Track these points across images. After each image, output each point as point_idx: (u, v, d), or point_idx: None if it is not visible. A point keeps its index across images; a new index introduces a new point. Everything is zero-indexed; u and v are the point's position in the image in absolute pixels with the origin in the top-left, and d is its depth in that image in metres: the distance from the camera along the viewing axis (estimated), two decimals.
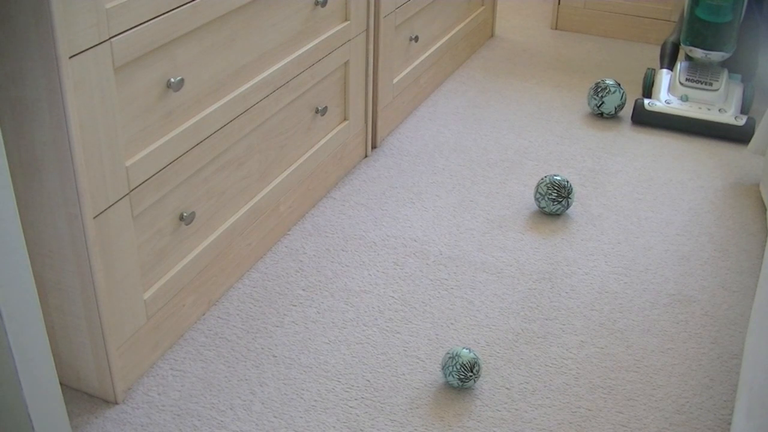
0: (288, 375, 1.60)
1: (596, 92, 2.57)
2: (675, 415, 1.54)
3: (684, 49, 2.59)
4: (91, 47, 1.28)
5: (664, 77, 2.61)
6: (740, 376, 1.37)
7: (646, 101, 2.55)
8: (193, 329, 1.71)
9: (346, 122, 2.18)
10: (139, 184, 1.45)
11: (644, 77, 2.68)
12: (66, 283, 1.42)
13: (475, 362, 1.55)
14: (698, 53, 2.54)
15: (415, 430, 1.49)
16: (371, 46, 2.20)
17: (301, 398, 1.55)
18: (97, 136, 1.33)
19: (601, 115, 2.61)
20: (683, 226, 2.09)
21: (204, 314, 1.75)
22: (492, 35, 3.24)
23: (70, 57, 1.24)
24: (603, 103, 2.56)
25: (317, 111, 2.01)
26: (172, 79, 1.47)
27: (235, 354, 1.65)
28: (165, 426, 1.48)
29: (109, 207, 1.39)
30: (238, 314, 1.75)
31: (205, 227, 1.69)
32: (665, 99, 2.55)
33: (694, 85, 2.54)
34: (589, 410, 1.54)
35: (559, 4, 3.29)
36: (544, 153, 2.40)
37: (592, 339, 1.71)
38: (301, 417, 1.51)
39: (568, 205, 2.09)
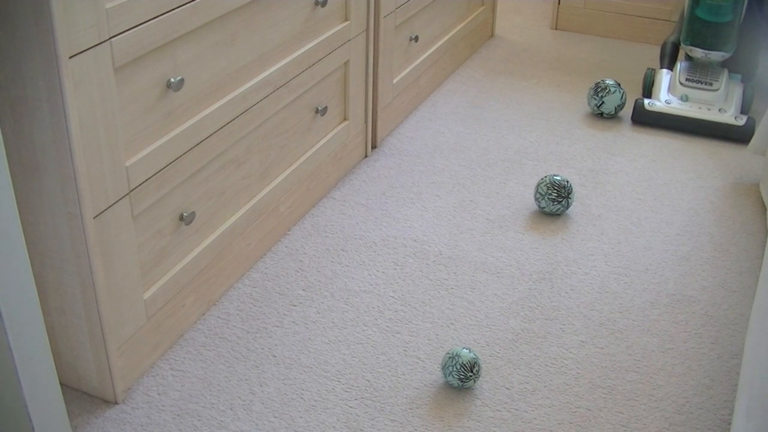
0: (288, 375, 1.60)
1: (596, 92, 2.57)
2: (675, 415, 1.54)
3: (684, 49, 2.59)
4: (91, 47, 1.28)
5: (664, 77, 2.61)
6: (740, 376, 1.37)
7: (646, 101, 2.55)
8: (193, 329, 1.71)
9: (346, 122, 2.18)
10: (139, 184, 1.45)
11: (644, 77, 2.68)
12: (66, 283, 1.42)
13: (475, 362, 1.55)
14: (698, 53, 2.54)
15: (415, 430, 1.49)
16: (371, 46, 2.20)
17: (301, 398, 1.55)
18: (97, 136, 1.33)
19: (601, 115, 2.61)
20: (683, 226, 2.09)
21: (204, 314, 1.75)
22: (492, 35, 3.24)
23: (70, 57, 1.24)
24: (603, 103, 2.56)
25: (317, 111, 2.01)
26: (172, 79, 1.47)
27: (235, 354, 1.65)
28: (165, 426, 1.48)
29: (109, 207, 1.39)
30: (238, 314, 1.75)
31: (205, 227, 1.69)
32: (665, 99, 2.55)
33: (694, 85, 2.54)
34: (589, 410, 1.54)
35: (559, 4, 3.29)
36: (544, 153, 2.40)
37: (592, 339, 1.71)
38: (301, 417, 1.51)
39: (568, 205, 2.09)
